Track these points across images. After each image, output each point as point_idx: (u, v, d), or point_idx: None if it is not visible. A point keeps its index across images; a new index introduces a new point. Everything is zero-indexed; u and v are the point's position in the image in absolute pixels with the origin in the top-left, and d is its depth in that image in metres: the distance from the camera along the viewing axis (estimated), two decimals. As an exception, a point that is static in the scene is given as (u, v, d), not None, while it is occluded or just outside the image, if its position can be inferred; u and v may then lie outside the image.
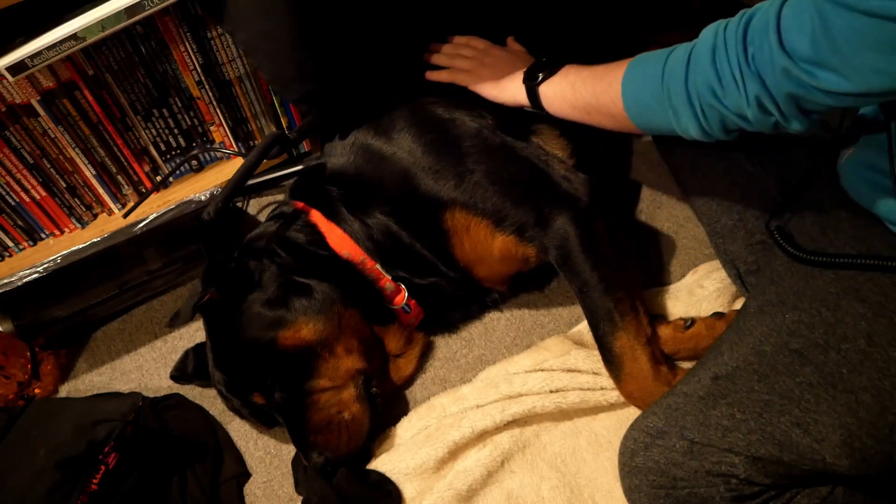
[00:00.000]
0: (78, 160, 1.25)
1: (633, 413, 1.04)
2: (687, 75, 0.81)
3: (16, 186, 1.23)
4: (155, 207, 1.33)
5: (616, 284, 1.04)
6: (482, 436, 1.09)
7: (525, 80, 1.06)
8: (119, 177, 1.32)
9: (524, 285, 1.26)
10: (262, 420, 1.11)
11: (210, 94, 1.28)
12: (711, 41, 0.78)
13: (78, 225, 1.34)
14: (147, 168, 1.34)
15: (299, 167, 1.38)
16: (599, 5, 1.27)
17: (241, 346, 1.06)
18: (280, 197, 1.46)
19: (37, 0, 0.99)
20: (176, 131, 1.32)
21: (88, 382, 1.33)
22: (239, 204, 1.47)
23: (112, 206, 1.34)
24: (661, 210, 1.34)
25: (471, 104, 1.14)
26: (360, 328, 1.11)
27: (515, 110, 1.12)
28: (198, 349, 1.23)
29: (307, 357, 1.05)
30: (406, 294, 1.14)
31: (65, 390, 1.33)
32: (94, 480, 1.03)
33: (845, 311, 0.83)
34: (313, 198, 1.17)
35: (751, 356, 0.88)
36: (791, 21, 0.69)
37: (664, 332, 1.10)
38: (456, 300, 1.20)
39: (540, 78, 1.04)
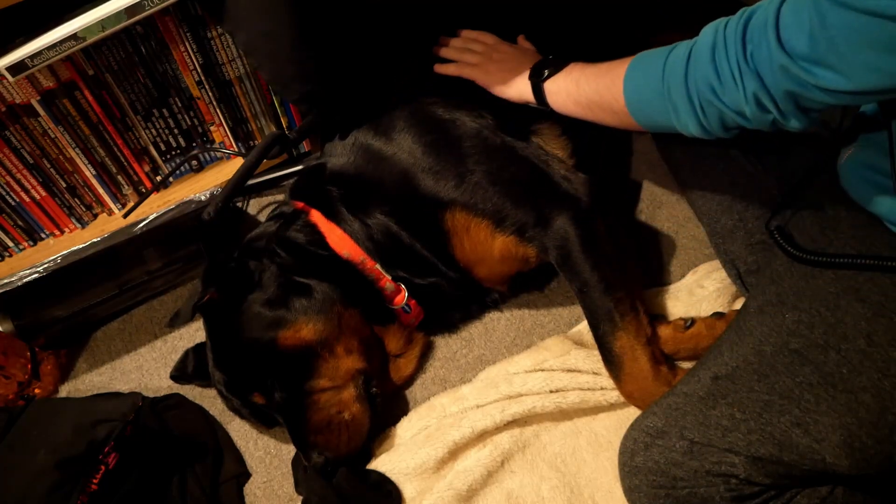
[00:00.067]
0: (78, 160, 1.25)
1: (633, 413, 1.04)
2: (687, 72, 0.82)
3: (16, 186, 1.23)
4: (155, 207, 1.33)
5: (616, 284, 1.04)
6: (482, 436, 1.09)
7: (531, 77, 1.07)
8: (119, 177, 1.32)
9: (524, 285, 1.26)
10: (262, 420, 1.11)
11: (210, 94, 1.28)
12: (711, 39, 0.79)
13: (78, 225, 1.34)
14: (147, 168, 1.34)
15: (299, 167, 1.38)
16: (604, 5, 1.28)
17: (241, 346, 1.06)
18: (280, 197, 1.46)
19: (37, 0, 0.99)
20: (176, 131, 1.32)
21: (88, 382, 1.33)
22: (239, 204, 1.47)
23: (112, 206, 1.34)
24: (661, 210, 1.34)
25: (471, 104, 1.14)
26: (360, 328, 1.11)
27: (516, 110, 1.12)
28: (198, 349, 1.23)
29: (307, 357, 1.05)
30: (406, 294, 1.14)
31: (65, 390, 1.33)
32: (94, 480, 1.03)
33: (845, 311, 0.83)
34: (313, 198, 1.17)
35: (751, 356, 0.88)
36: (790, 19, 0.69)
37: (664, 332, 1.10)
38: (456, 300, 1.20)
39: (545, 74, 1.04)
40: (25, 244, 1.31)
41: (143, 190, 1.36)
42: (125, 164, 1.31)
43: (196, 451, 1.17)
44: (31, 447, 1.07)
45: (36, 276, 1.25)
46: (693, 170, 1.17)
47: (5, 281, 1.24)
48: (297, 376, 1.04)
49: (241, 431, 1.23)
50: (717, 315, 1.13)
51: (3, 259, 1.31)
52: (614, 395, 1.08)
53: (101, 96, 1.19)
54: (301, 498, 1.11)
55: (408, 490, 1.07)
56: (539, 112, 1.12)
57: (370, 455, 1.12)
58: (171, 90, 1.25)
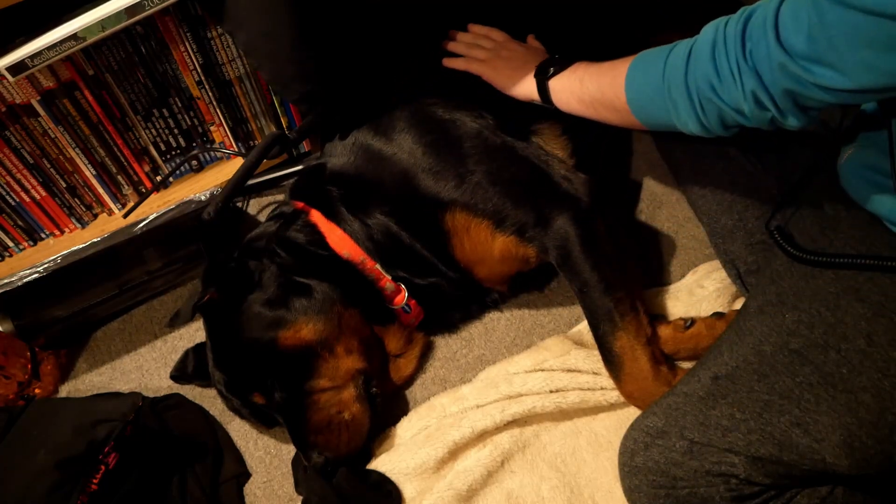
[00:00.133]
0: (78, 160, 1.25)
1: (633, 413, 1.04)
2: (687, 70, 0.82)
3: (16, 186, 1.23)
4: (155, 207, 1.33)
5: (616, 284, 1.04)
6: (482, 436, 1.09)
7: (536, 75, 1.07)
8: (119, 177, 1.32)
9: (524, 285, 1.26)
10: (262, 420, 1.11)
11: (210, 94, 1.28)
12: (712, 37, 0.79)
13: (78, 225, 1.34)
14: (147, 168, 1.34)
15: (299, 167, 1.38)
16: (605, 4, 1.28)
17: (241, 346, 1.06)
18: (280, 197, 1.46)
19: (37, 0, 0.99)
20: (176, 131, 1.32)
21: (88, 382, 1.33)
22: (239, 204, 1.46)
23: (112, 206, 1.34)
24: (661, 210, 1.34)
25: (471, 105, 1.14)
26: (360, 328, 1.11)
27: (516, 110, 1.12)
28: (198, 349, 1.23)
29: (307, 357, 1.05)
30: (406, 294, 1.14)
31: (65, 390, 1.33)
32: (94, 480, 1.03)
33: (845, 310, 0.83)
34: (313, 198, 1.17)
35: (751, 356, 0.88)
36: (789, 18, 0.69)
37: (664, 332, 1.10)
38: (456, 300, 1.20)
39: (551, 72, 1.05)
40: (25, 244, 1.32)
41: (143, 190, 1.36)
42: (125, 164, 1.31)
43: (196, 451, 1.17)
44: (31, 447, 1.07)
45: (36, 276, 1.25)
46: (693, 169, 1.17)
47: (5, 281, 1.24)
48: (297, 376, 1.04)
49: (241, 431, 1.23)
50: (717, 315, 1.13)
51: (3, 259, 1.31)
52: (614, 395, 1.08)
53: (101, 96, 1.19)
54: (301, 498, 1.11)
55: (408, 490, 1.07)
56: (539, 112, 1.13)
57: (370, 455, 1.12)
58: (171, 90, 1.25)
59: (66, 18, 1.04)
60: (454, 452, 1.08)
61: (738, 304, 1.16)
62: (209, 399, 1.26)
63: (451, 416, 1.12)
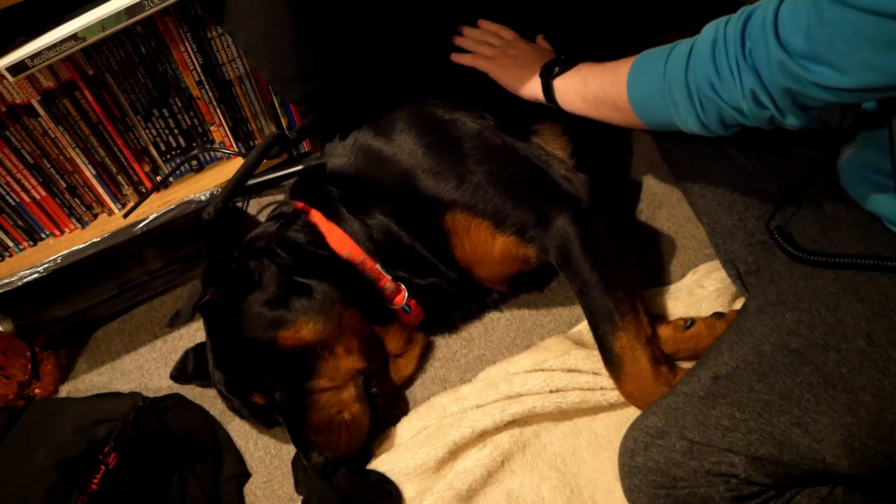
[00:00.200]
0: (78, 160, 1.25)
1: (633, 413, 1.04)
2: (687, 68, 0.82)
3: (16, 186, 1.23)
4: (155, 207, 1.33)
5: (616, 284, 1.04)
6: (482, 436, 1.09)
7: (541, 74, 1.07)
8: (119, 177, 1.32)
9: (524, 285, 1.26)
10: (262, 420, 1.11)
11: (210, 94, 1.28)
12: (712, 36, 0.80)
13: (78, 225, 1.34)
14: (147, 168, 1.34)
15: (299, 167, 1.38)
16: (605, 4, 1.28)
17: (241, 346, 1.06)
18: (280, 197, 1.46)
19: (37, 0, 0.99)
20: (176, 131, 1.32)
21: (88, 382, 1.33)
22: (239, 204, 1.47)
23: (112, 206, 1.34)
24: (661, 210, 1.34)
25: (472, 105, 1.14)
26: (360, 328, 1.11)
27: (516, 110, 1.12)
28: (198, 349, 1.23)
29: (307, 357, 1.05)
30: (406, 294, 1.14)
31: (65, 390, 1.33)
32: (94, 480, 1.03)
33: (845, 310, 0.83)
34: (313, 198, 1.17)
35: (751, 356, 0.88)
36: (788, 16, 0.70)
37: (664, 332, 1.10)
38: (456, 300, 1.20)
39: (556, 72, 1.05)
40: (25, 244, 1.31)
41: (143, 190, 1.36)
42: (125, 164, 1.31)
43: (196, 451, 1.17)
44: (31, 447, 1.07)
45: (36, 276, 1.25)
46: (693, 169, 1.17)
47: (5, 281, 1.24)
48: (297, 376, 1.04)
49: (241, 431, 1.23)
50: (717, 315, 1.13)
51: (3, 259, 1.31)
52: (614, 395, 1.08)
53: (101, 96, 1.19)
54: (301, 498, 1.11)
55: (408, 490, 1.07)
56: (540, 112, 1.13)
57: (370, 455, 1.12)
58: (171, 90, 1.25)
59: (66, 18, 1.04)
60: (454, 452, 1.09)
61: (738, 304, 1.16)
62: (209, 399, 1.26)
63: (451, 416, 1.12)
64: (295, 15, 1.08)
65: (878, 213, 0.87)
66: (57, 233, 1.33)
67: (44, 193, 1.26)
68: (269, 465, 1.19)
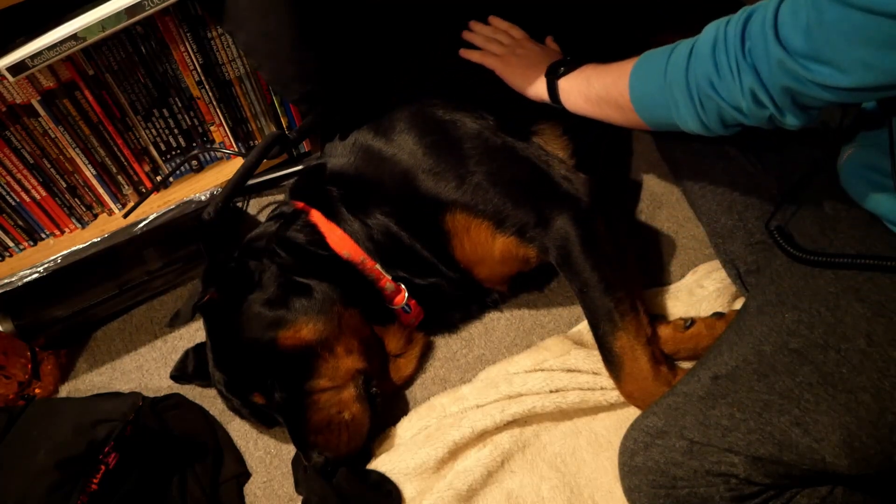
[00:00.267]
0: (78, 160, 1.25)
1: (633, 413, 1.04)
2: (688, 68, 0.82)
3: (16, 186, 1.23)
4: (155, 207, 1.33)
5: (616, 284, 1.04)
6: (482, 436, 1.09)
7: (547, 74, 1.07)
8: (119, 177, 1.32)
9: (524, 285, 1.26)
10: (262, 420, 1.11)
11: (210, 94, 1.28)
12: (713, 35, 0.80)
13: (78, 225, 1.34)
14: (147, 168, 1.34)
15: (299, 167, 1.38)
16: (605, 4, 1.28)
17: (241, 346, 1.06)
18: (280, 197, 1.46)
19: (37, 0, 0.99)
20: (176, 131, 1.32)
21: (88, 382, 1.33)
22: (239, 204, 1.47)
23: (112, 206, 1.34)
24: (661, 210, 1.34)
25: (472, 105, 1.14)
26: (360, 328, 1.11)
27: (517, 110, 1.12)
28: (198, 349, 1.23)
29: (307, 357, 1.05)
30: (406, 294, 1.14)
31: (65, 390, 1.33)
32: (94, 480, 1.03)
33: (845, 310, 0.83)
34: (313, 198, 1.17)
35: (751, 356, 0.88)
36: (788, 15, 0.70)
37: (664, 332, 1.10)
38: (456, 300, 1.20)
39: (561, 72, 1.05)
40: (25, 244, 1.32)
41: (143, 190, 1.36)
42: (125, 164, 1.31)
43: (196, 451, 1.17)
44: (31, 447, 1.07)
45: (36, 276, 1.25)
46: (693, 169, 1.17)
47: (5, 281, 1.24)
48: (297, 376, 1.04)
49: (241, 431, 1.23)
50: (717, 315, 1.13)
51: (3, 259, 1.31)
52: (614, 395, 1.08)
53: (101, 96, 1.19)
54: (301, 498, 1.11)
55: (408, 490, 1.07)
56: (540, 112, 1.13)
57: (370, 455, 1.12)
58: (171, 90, 1.25)
59: (66, 18, 1.04)
60: (454, 452, 1.09)
61: (738, 304, 1.16)
62: (209, 399, 1.26)
63: (451, 416, 1.12)
64: (295, 15, 1.08)
65: (878, 213, 0.87)
66: (57, 233, 1.33)
67: (44, 193, 1.26)
68: (269, 465, 1.19)
